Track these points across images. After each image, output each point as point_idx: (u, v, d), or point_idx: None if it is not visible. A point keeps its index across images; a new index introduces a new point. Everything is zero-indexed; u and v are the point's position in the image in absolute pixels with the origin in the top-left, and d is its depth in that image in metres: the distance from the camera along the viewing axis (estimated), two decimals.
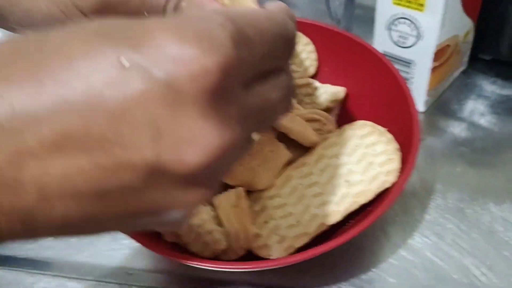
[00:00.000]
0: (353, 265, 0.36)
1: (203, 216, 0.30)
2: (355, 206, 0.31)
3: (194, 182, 0.17)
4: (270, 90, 0.20)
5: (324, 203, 0.31)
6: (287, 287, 0.35)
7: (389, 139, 0.32)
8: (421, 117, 0.46)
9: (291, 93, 0.21)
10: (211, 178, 0.18)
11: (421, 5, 0.39)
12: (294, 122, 0.33)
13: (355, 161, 0.32)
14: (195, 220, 0.30)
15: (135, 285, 0.35)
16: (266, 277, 0.35)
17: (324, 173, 0.31)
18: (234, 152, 0.18)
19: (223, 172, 0.19)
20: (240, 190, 0.30)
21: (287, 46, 0.20)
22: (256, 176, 0.31)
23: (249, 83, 0.18)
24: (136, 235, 0.30)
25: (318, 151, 0.32)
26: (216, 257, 0.30)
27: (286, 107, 0.21)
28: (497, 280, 0.34)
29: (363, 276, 0.36)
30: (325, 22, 0.46)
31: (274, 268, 0.28)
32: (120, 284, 0.35)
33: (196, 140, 0.16)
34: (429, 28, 0.40)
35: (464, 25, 0.44)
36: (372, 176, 0.31)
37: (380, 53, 0.38)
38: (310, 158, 0.32)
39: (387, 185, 0.31)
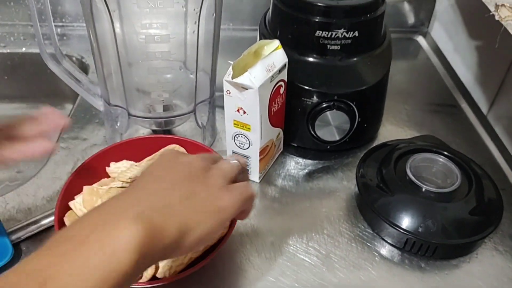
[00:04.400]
0: (215, 277, 0.65)
1: None
2: (207, 246, 0.61)
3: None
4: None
5: None
6: None
7: None
8: (257, 186, 0.77)
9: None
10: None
11: (249, 128, 0.70)
12: None
13: None
14: None
15: None
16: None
17: None
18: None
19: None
20: None
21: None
22: None
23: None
24: None
25: None
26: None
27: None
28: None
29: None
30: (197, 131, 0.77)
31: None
32: None
33: None
34: (254, 140, 0.72)
35: (275, 133, 0.76)
36: None
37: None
38: None
39: (222, 235, 0.61)
